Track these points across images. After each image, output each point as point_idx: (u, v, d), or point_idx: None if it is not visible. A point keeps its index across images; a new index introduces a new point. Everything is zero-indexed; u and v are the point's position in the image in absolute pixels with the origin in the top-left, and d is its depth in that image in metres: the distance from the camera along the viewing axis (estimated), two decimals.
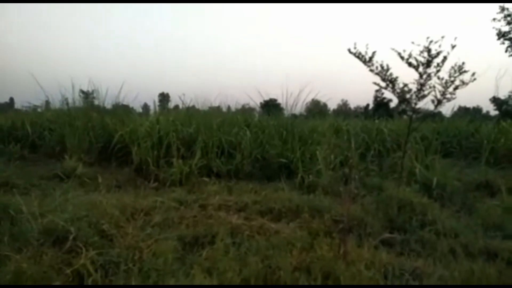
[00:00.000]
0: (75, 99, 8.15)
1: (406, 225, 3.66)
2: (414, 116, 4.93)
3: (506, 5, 7.51)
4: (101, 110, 8.24)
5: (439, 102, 4.42)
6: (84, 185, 5.02)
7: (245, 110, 12.75)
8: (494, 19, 7.68)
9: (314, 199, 4.36)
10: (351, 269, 2.47)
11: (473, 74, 4.23)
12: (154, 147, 6.27)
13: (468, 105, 22.53)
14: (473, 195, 5.15)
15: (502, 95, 9.80)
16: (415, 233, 3.46)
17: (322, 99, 14.35)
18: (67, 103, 8.17)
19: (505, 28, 7.57)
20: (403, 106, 4.95)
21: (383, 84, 4.42)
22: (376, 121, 9.79)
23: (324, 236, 3.05)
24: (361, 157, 7.31)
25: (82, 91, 8.93)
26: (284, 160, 6.25)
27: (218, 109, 12.00)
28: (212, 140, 6.67)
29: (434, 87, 4.34)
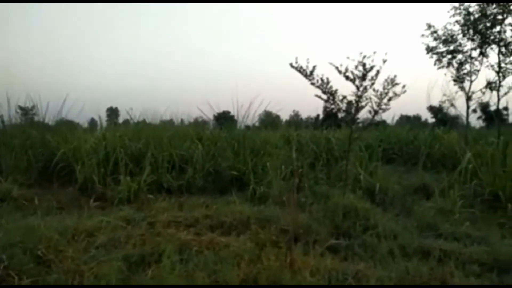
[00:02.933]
0: (12, 115, 7.61)
1: (351, 230, 3.85)
2: (354, 126, 5.25)
3: (433, 22, 8.28)
4: (41, 126, 7.76)
5: (376, 113, 4.75)
6: (21, 208, 4.67)
7: (198, 123, 12.69)
8: (422, 35, 8.42)
9: (264, 210, 4.43)
10: (297, 277, 2.55)
11: (404, 86, 4.62)
12: (100, 164, 6.01)
13: (409, 114, 24.20)
14: (411, 198, 5.53)
15: (435, 104, 10.70)
16: (359, 238, 3.65)
17: (274, 110, 14.64)
18: (2, 121, 7.60)
19: (433, 44, 8.33)
20: (347, 116, 5.26)
21: (324, 96, 4.66)
22: (325, 131, 10.19)
23: (271, 247, 3.12)
24: (310, 166, 7.56)
25: (20, 107, 8.36)
26: (235, 173, 6.28)
27: (170, 122, 11.80)
28: (162, 155, 6.54)
29: (370, 98, 4.66)
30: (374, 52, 4.41)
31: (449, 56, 8.27)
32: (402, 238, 3.59)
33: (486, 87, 7.96)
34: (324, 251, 3.29)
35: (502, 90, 7.79)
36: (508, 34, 7.74)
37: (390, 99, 4.67)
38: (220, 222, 3.99)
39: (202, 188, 6.16)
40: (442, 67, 8.31)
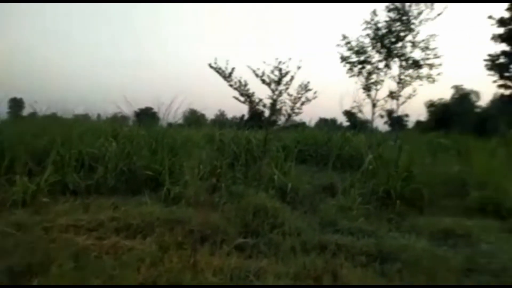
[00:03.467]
0: None
1: (259, 228, 4.00)
2: (272, 128, 5.47)
3: (347, 33, 9.01)
4: None
5: (290, 116, 5.01)
6: None
7: (117, 119, 11.97)
8: (338, 45, 9.11)
9: (176, 211, 4.38)
10: (199, 278, 2.56)
11: (315, 92, 4.96)
12: None
13: (327, 117, 25.93)
14: (319, 196, 5.93)
15: (348, 109, 11.69)
16: (266, 236, 3.81)
17: (200, 108, 14.51)
18: None
19: (347, 53, 9.06)
20: (268, 118, 5.46)
21: (242, 98, 4.78)
22: (246, 131, 10.39)
23: (177, 249, 3.10)
24: (230, 166, 7.65)
25: None
26: (150, 173, 6.08)
27: (84, 117, 10.94)
28: (70, 153, 6.05)
29: (285, 102, 4.91)
30: (290, 59, 4.66)
31: (360, 66, 9.06)
32: (305, 234, 3.85)
33: (388, 96, 8.91)
34: (231, 250, 3.36)
35: (401, 99, 8.78)
36: (408, 49, 8.75)
37: (303, 103, 4.97)
38: (127, 224, 3.83)
39: (113, 188, 5.84)
40: (353, 75, 9.09)
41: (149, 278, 2.50)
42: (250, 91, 4.77)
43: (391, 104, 9.01)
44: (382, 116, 25.31)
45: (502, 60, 24.66)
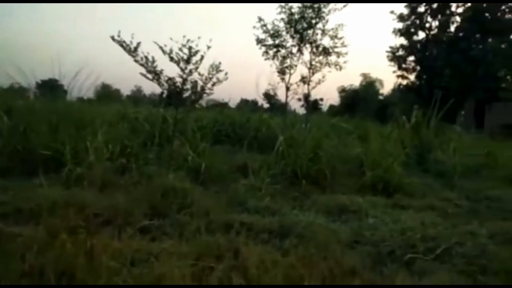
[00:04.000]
0: None
1: (167, 210, 3.96)
2: (187, 106, 5.37)
3: (263, 16, 9.11)
4: None
5: (200, 96, 4.97)
6: None
7: (16, 91, 10.57)
8: (254, 27, 9.18)
9: (78, 193, 4.10)
10: (93, 263, 2.47)
11: (226, 73, 4.97)
12: None
13: (248, 98, 26.37)
14: (233, 177, 6.08)
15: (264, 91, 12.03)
16: (173, 217, 3.79)
17: (114, 83, 13.53)
18: None
19: (262, 36, 9.20)
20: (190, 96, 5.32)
21: (149, 76, 4.58)
22: (162, 109, 10.05)
23: (72, 233, 2.92)
24: (143, 145, 7.36)
25: None
26: (48, 153, 5.55)
27: None
28: None
29: (196, 82, 4.84)
30: (199, 37, 4.56)
31: (275, 50, 9.28)
32: (213, 214, 3.93)
33: (300, 80, 9.34)
34: (135, 233, 3.29)
35: (312, 84, 9.29)
36: (318, 37, 9.21)
37: (214, 84, 4.95)
38: (17, 209, 3.49)
39: (5, 170, 5.23)
40: (269, 58, 9.29)
41: (36, 266, 2.33)
42: (160, 69, 4.56)
43: (303, 89, 9.48)
44: (299, 100, 26.58)
45: (400, 52, 27.70)
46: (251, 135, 9.45)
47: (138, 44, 4.35)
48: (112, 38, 4.27)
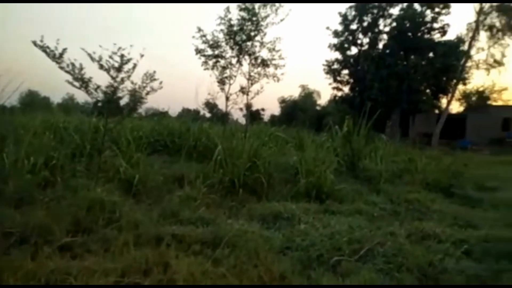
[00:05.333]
0: None
1: (93, 225, 3.73)
2: (121, 116, 5.13)
3: (203, 26, 9.15)
4: None
5: (135, 104, 4.81)
6: None
7: None
8: (193, 37, 9.18)
9: None
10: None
11: (161, 82, 4.88)
12: None
13: (191, 107, 26.04)
14: (168, 188, 5.91)
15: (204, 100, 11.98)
16: (99, 232, 3.58)
17: (43, 91, 12.56)
18: None
19: (202, 46, 9.23)
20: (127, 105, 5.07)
21: (76, 83, 4.33)
22: (94, 119, 9.50)
23: None
24: (72, 157, 6.87)
25: None
26: None
27: None
28: None
29: (129, 90, 4.67)
30: (131, 45, 4.43)
31: (214, 60, 9.35)
32: (143, 227, 3.79)
33: (240, 91, 9.50)
34: (54, 252, 3.05)
35: (251, 95, 9.49)
36: (257, 49, 9.47)
37: (147, 93, 4.82)
38: None
39: None
40: (208, 68, 9.33)
41: None
42: (88, 76, 4.33)
43: (242, 99, 9.64)
44: (241, 109, 26.87)
45: (336, 66, 29.41)
46: (190, 145, 9.31)
47: (64, 50, 4.09)
48: (34, 43, 3.96)
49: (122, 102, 4.98)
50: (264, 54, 9.49)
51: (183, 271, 2.80)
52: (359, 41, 28.55)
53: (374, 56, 26.96)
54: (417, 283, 3.03)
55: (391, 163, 9.64)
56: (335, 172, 7.52)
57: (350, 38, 28.57)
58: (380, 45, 28.15)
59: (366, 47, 28.44)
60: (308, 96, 41.08)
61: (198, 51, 9.23)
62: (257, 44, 9.47)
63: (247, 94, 9.38)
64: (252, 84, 9.39)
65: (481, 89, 32.89)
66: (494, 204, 6.60)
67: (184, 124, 12.48)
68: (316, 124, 26.10)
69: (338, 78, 29.31)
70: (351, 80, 29.18)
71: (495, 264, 3.51)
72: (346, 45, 28.67)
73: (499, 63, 25.92)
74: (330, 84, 30.04)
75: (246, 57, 9.42)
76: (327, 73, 29.53)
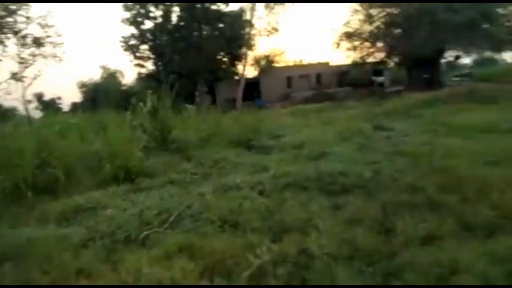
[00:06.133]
0: None
1: None
2: None
3: None
4: None
5: None
6: None
7: None
8: None
9: None
10: None
11: None
12: None
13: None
14: None
15: None
16: None
17: None
18: None
19: None
20: None
21: None
22: None
23: None
24: None
25: None
26: None
27: None
28: None
29: None
30: None
31: None
32: None
33: (11, 77, 7.78)
34: None
35: (27, 81, 7.92)
36: (22, 26, 7.85)
37: None
38: None
39: None
40: None
41: None
42: None
43: (16, 87, 7.95)
44: (30, 101, 22.56)
45: (133, 42, 28.02)
46: None
47: None
48: None
49: None
50: (35, 31, 7.96)
51: None
52: (151, 14, 27.78)
53: (170, 29, 26.95)
54: (219, 232, 3.29)
55: (199, 131, 10.10)
56: (145, 149, 7.32)
57: (143, 11, 27.45)
58: (174, 18, 28.27)
59: (160, 20, 28.00)
60: (111, 77, 37.95)
61: None
62: (22, 19, 7.84)
63: (23, 81, 7.78)
64: (26, 67, 7.81)
65: (267, 53, 38.01)
66: (282, 148, 7.91)
67: None
68: (124, 104, 24.55)
69: (138, 54, 28.13)
70: (152, 56, 28.49)
71: (280, 195, 4.19)
72: (139, 19, 27.45)
73: (275, 29, 30.32)
74: (131, 61, 28.52)
75: (10, 35, 7.69)
76: (125, 50, 27.82)
